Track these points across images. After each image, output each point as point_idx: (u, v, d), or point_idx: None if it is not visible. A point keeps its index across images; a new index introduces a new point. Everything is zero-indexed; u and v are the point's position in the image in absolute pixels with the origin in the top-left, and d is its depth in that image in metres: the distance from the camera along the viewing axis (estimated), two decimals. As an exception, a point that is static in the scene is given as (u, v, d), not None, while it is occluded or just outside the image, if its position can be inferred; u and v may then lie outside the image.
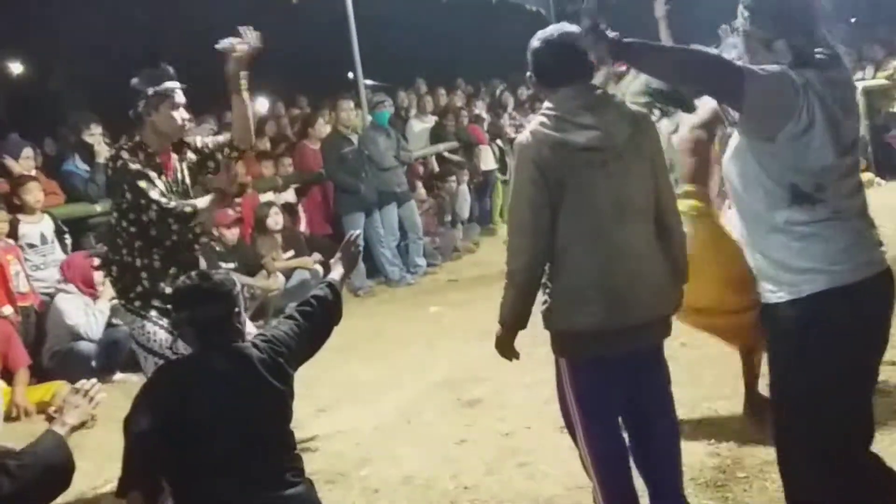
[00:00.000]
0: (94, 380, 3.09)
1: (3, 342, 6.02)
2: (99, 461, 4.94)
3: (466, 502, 3.97)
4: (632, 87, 4.65)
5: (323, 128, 9.74)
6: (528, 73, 3.20)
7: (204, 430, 2.93)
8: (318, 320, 3.40)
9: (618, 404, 3.27)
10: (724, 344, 4.44)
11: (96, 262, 4.54)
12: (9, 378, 6.06)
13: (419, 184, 10.44)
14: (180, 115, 4.09)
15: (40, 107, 15.53)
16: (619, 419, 3.32)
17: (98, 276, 6.62)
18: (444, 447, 4.61)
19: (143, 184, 3.96)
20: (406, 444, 4.73)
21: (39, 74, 18.19)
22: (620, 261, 3.07)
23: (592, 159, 3.03)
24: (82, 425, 3.03)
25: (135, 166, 3.98)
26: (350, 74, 11.33)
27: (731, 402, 4.58)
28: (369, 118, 9.58)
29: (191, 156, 4.28)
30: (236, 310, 3.13)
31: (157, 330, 4.00)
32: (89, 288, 6.62)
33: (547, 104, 3.13)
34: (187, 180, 4.25)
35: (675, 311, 3.27)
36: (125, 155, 4.01)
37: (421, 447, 4.65)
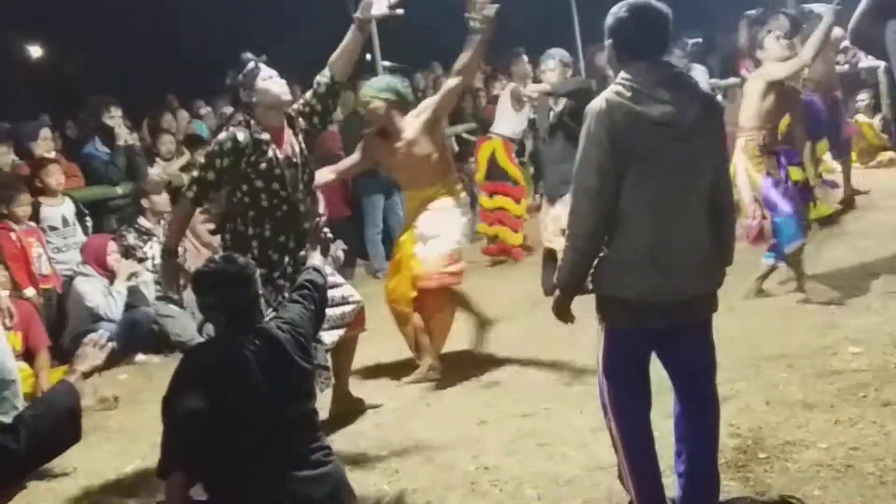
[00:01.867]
0: (102, 331, 3.15)
1: (24, 322, 6.06)
2: (122, 442, 5.00)
3: (486, 482, 3.98)
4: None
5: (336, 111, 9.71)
6: (608, 41, 3.22)
7: (240, 410, 2.97)
8: (318, 305, 3.52)
9: (647, 376, 3.30)
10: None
11: (210, 226, 4.80)
12: (30, 359, 6.11)
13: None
14: (275, 82, 4.23)
15: (60, 90, 15.61)
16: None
17: (111, 258, 6.66)
18: (464, 428, 4.61)
19: (196, 171, 4.22)
20: (426, 425, 4.74)
21: (59, 58, 18.27)
22: (675, 236, 3.14)
23: (663, 134, 3.09)
24: (92, 372, 3.15)
25: (215, 147, 4.19)
26: (367, 56, 11.31)
27: (752, 384, 4.56)
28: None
29: (301, 123, 4.42)
30: (260, 292, 3.21)
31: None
32: (104, 270, 6.66)
33: (623, 75, 3.16)
34: (305, 151, 4.39)
35: (718, 288, 3.34)
36: (221, 136, 4.20)
37: (441, 428, 4.66)
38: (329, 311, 4.48)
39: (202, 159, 4.28)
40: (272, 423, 3.02)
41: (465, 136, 11.43)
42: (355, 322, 4.84)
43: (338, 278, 4.86)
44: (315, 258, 3.78)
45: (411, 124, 5.39)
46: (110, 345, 3.19)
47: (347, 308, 4.76)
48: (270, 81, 4.22)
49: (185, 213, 4.39)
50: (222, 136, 4.20)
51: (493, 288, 7.28)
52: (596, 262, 3.21)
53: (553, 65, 6.70)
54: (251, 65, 4.21)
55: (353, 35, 4.43)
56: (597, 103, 3.14)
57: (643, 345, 3.28)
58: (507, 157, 8.82)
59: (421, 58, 13.11)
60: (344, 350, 4.84)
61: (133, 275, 6.80)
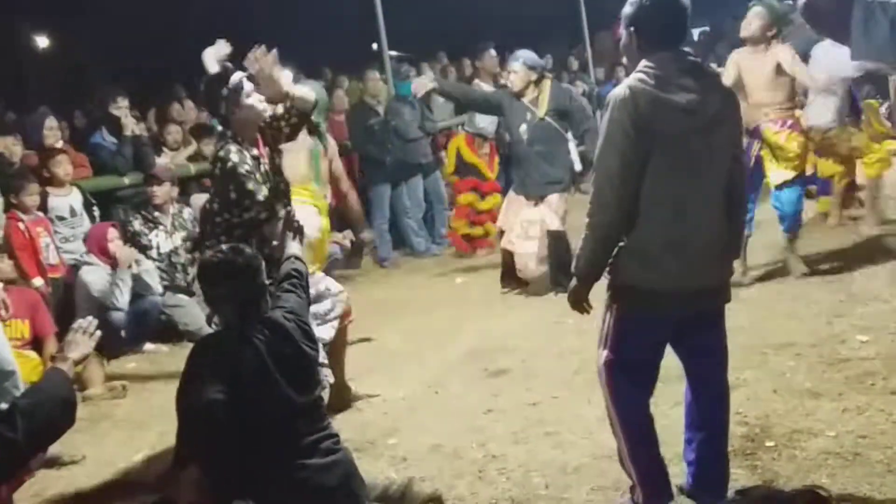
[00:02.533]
0: (90, 317, 3.17)
1: (31, 310, 6.08)
2: (130, 431, 5.02)
3: (494, 471, 3.99)
4: None
5: (341, 99, 9.72)
6: (630, 28, 3.20)
7: (253, 400, 2.98)
8: (307, 293, 3.54)
9: (658, 366, 3.32)
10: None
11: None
12: (38, 348, 6.14)
13: (444, 154, 10.40)
14: (256, 98, 4.17)
15: (68, 80, 15.62)
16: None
17: (112, 244, 6.66)
18: (472, 417, 4.62)
19: (250, 186, 4.04)
20: (433, 414, 4.75)
21: (66, 48, 18.27)
22: (696, 225, 3.14)
23: (688, 121, 3.09)
24: (84, 359, 3.14)
25: (242, 169, 4.05)
26: (374, 45, 11.30)
27: (759, 372, 4.56)
28: (393, 90, 9.57)
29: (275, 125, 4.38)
30: (266, 282, 3.23)
31: None
32: (106, 257, 6.67)
33: (645, 63, 3.14)
34: (276, 159, 4.35)
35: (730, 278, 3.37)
36: (234, 157, 4.05)
37: (448, 416, 4.67)
38: (318, 307, 4.50)
39: (248, 183, 4.05)
40: (283, 411, 3.03)
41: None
42: (344, 313, 4.84)
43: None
44: (293, 247, 3.77)
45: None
46: (98, 332, 3.18)
47: (336, 299, 4.75)
48: (254, 98, 4.16)
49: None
50: (235, 157, 4.06)
51: (498, 276, 7.27)
52: (616, 251, 3.19)
53: (517, 66, 6.77)
54: (236, 79, 4.13)
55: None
56: (620, 90, 3.12)
57: (660, 334, 3.27)
58: (472, 150, 8.96)
59: (427, 47, 13.10)
60: (338, 343, 4.83)
61: (135, 262, 6.81)
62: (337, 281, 5.07)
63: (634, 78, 3.13)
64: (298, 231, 3.86)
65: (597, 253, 3.19)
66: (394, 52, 11.17)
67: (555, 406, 4.60)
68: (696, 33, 13.49)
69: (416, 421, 4.67)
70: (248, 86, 4.15)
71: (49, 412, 2.88)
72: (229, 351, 3.05)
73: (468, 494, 3.80)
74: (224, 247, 3.34)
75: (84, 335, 3.12)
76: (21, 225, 6.48)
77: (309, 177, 5.40)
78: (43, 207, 6.76)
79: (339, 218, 8.66)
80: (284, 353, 3.09)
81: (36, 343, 6.12)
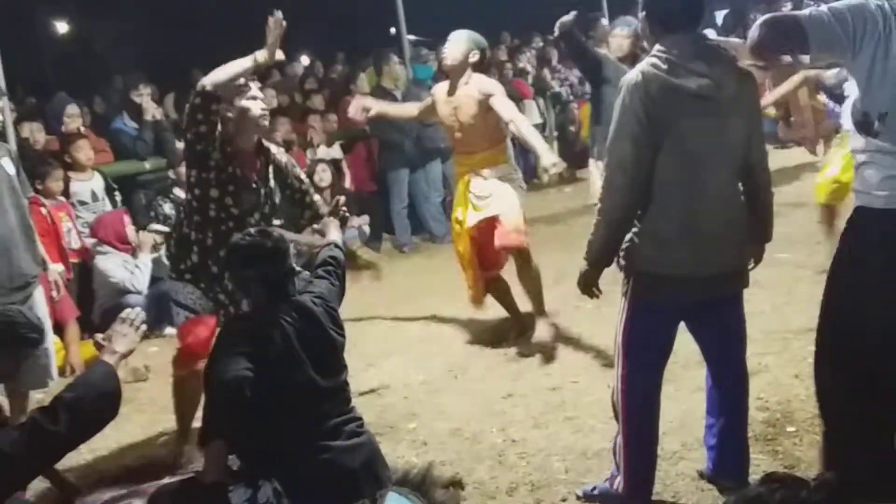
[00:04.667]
0: (138, 308, 3.15)
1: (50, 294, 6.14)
2: (153, 414, 5.05)
3: (513, 455, 4.00)
4: None
5: (363, 83, 9.71)
6: (642, 13, 3.20)
7: (280, 380, 3.01)
8: (342, 280, 3.55)
9: (668, 354, 3.31)
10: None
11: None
12: (60, 331, 6.19)
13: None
14: (258, 105, 4.03)
15: (88, 66, 15.66)
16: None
17: (131, 230, 6.69)
18: (492, 401, 4.63)
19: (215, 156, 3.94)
20: (453, 398, 4.76)
21: (86, 33, 18.32)
22: (710, 211, 3.13)
23: (700, 107, 3.06)
24: (130, 353, 3.11)
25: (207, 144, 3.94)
26: (392, 30, 11.28)
27: (780, 358, 4.55)
28: (412, 74, 9.55)
29: (279, 159, 4.25)
30: (294, 265, 3.27)
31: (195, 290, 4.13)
32: (124, 244, 6.70)
33: (659, 47, 3.13)
34: (272, 183, 4.21)
35: (752, 265, 3.36)
36: (202, 129, 3.91)
37: (468, 401, 4.68)
38: None
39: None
40: (310, 393, 3.07)
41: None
42: None
43: None
44: (333, 233, 3.80)
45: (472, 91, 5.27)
46: (144, 326, 3.17)
47: None
48: (255, 102, 4.02)
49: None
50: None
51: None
52: (629, 237, 3.19)
53: (629, 32, 6.52)
54: (241, 79, 3.98)
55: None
56: (632, 75, 3.12)
57: (672, 321, 3.27)
58: None
59: (445, 31, 13.05)
60: None
61: (155, 246, 6.84)
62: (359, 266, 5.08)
63: (647, 63, 3.12)
64: (344, 219, 3.88)
65: (608, 238, 3.19)
66: (412, 37, 11.15)
67: (575, 391, 4.61)
68: (719, 16, 13.36)
69: (436, 405, 4.69)
70: (254, 90, 4.03)
71: (92, 405, 2.87)
72: (258, 331, 3.07)
73: (488, 479, 3.82)
74: (252, 230, 3.37)
75: (131, 327, 3.09)
76: (43, 210, 6.50)
77: None
78: (65, 192, 6.80)
79: (356, 202, 8.70)
80: (311, 337, 3.12)
81: (57, 327, 6.18)
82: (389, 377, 5.15)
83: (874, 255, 2.77)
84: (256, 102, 4.04)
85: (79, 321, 6.32)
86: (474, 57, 5.39)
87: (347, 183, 9.20)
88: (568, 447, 3.99)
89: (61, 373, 5.91)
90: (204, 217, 4.06)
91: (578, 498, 3.53)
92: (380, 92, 9.17)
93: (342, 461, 3.06)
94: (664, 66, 3.07)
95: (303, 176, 4.37)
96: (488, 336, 5.73)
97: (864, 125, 2.75)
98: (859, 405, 2.85)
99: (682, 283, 3.16)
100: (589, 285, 3.32)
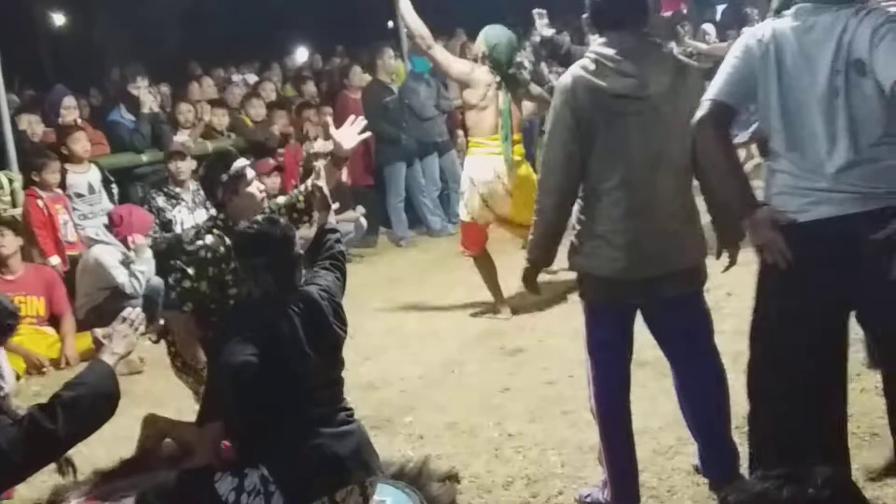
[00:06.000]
0: (138, 309, 3.15)
1: (48, 288, 6.14)
2: (148, 407, 5.02)
3: (510, 449, 4.01)
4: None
5: (358, 77, 9.70)
6: (585, 14, 3.22)
7: (283, 369, 3.01)
8: (344, 272, 3.54)
9: (628, 358, 3.29)
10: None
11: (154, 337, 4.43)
12: (56, 324, 6.18)
13: (460, 133, 10.38)
14: (257, 188, 3.99)
15: (85, 58, 15.62)
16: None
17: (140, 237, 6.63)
18: (488, 395, 4.64)
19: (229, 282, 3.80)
20: (450, 392, 4.77)
21: (83, 25, 18.27)
22: (647, 211, 3.08)
23: (626, 107, 3.04)
24: (129, 353, 3.12)
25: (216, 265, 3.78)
26: (390, 23, 11.25)
27: (776, 352, 4.55)
28: (410, 67, 9.53)
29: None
30: (301, 253, 3.25)
31: None
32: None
33: (592, 47, 3.14)
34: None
35: (700, 262, 3.28)
36: (210, 241, 3.77)
37: (465, 395, 4.69)
38: None
39: (190, 269, 3.75)
40: (307, 383, 3.07)
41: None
42: None
43: None
44: (328, 217, 3.75)
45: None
46: (143, 327, 3.17)
47: None
48: (253, 186, 3.96)
49: (187, 328, 3.84)
50: (210, 241, 3.76)
51: (514, 255, 7.27)
52: (572, 238, 3.21)
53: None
54: (239, 166, 3.93)
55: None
56: (564, 78, 3.13)
57: (624, 321, 3.24)
58: None
59: (445, 25, 13.04)
60: None
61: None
62: (353, 260, 5.09)
63: (579, 64, 3.12)
64: (325, 200, 3.80)
65: (544, 237, 3.22)
66: (411, 30, 11.11)
67: (571, 385, 4.61)
68: (719, 11, 13.37)
69: (432, 399, 4.69)
70: (250, 173, 3.97)
71: (90, 405, 2.87)
72: (266, 319, 3.07)
73: (484, 473, 3.82)
74: (259, 217, 3.37)
75: (131, 328, 3.08)
76: (40, 202, 6.51)
77: (493, 130, 5.86)
78: (62, 185, 6.79)
79: (354, 196, 8.69)
80: (315, 329, 3.12)
81: (53, 320, 6.18)
82: (386, 371, 5.16)
83: (795, 266, 2.80)
84: (255, 185, 3.95)
85: (74, 314, 6.32)
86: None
87: (344, 177, 9.18)
88: (564, 441, 3.99)
89: (56, 365, 5.92)
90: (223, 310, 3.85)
91: (577, 500, 3.53)
92: (376, 86, 9.16)
93: (331, 447, 3.06)
94: (592, 68, 3.07)
95: (281, 199, 4.23)
96: (485, 330, 5.73)
97: (765, 147, 2.89)
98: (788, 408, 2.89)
99: (623, 285, 3.13)
100: (529, 282, 3.36)
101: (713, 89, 2.88)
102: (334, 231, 3.66)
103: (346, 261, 3.69)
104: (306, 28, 15.32)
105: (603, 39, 3.12)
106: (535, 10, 6.19)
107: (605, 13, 3.13)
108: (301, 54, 13.82)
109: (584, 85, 3.06)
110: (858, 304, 2.88)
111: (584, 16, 3.22)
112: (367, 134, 4.26)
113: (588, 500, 3.47)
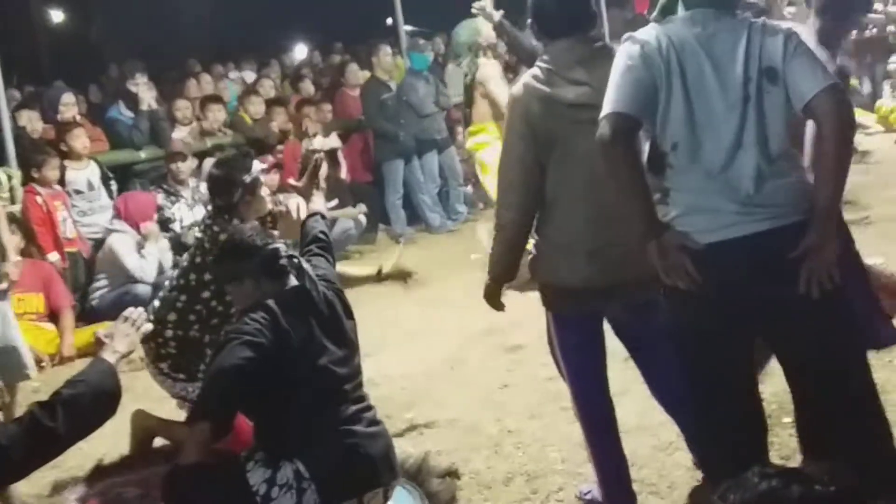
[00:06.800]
0: (140, 308, 3.14)
1: (46, 284, 6.14)
2: (149, 403, 5.03)
3: (510, 445, 4.01)
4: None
5: (356, 74, 9.70)
6: (529, 21, 3.13)
7: (304, 365, 2.99)
8: (332, 251, 3.54)
9: (602, 360, 3.25)
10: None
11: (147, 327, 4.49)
12: (55, 319, 6.18)
13: (459, 130, 10.38)
14: (266, 192, 4.21)
15: (84, 55, 15.61)
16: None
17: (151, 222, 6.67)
18: (488, 392, 4.64)
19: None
20: (450, 389, 4.77)
21: (81, 23, 18.26)
22: (606, 219, 2.99)
23: (580, 116, 2.94)
24: (130, 353, 3.09)
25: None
26: (389, 20, 11.25)
27: (776, 349, 4.55)
28: (409, 64, 9.54)
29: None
30: (286, 244, 3.26)
31: None
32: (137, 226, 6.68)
33: (543, 56, 3.07)
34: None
35: None
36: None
37: (465, 392, 4.69)
38: None
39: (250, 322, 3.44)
40: (331, 376, 3.03)
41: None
42: None
43: None
44: (318, 203, 3.73)
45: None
46: (147, 326, 3.14)
47: None
48: (264, 188, 4.20)
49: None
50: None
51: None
52: (531, 248, 3.17)
53: None
54: (258, 168, 4.16)
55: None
56: (515, 89, 3.07)
57: (590, 325, 3.19)
58: None
59: (442, 23, 13.04)
60: None
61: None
62: (352, 256, 5.09)
63: (529, 74, 3.06)
64: (317, 181, 3.79)
65: (505, 252, 3.16)
66: (409, 27, 11.13)
67: (571, 381, 4.61)
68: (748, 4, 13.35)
69: (432, 395, 4.70)
70: (262, 175, 4.21)
71: (91, 403, 2.85)
72: (275, 319, 3.02)
73: (484, 468, 3.83)
74: (236, 225, 3.38)
75: (132, 326, 3.07)
76: (39, 199, 6.51)
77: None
78: (60, 181, 6.79)
79: (353, 192, 8.69)
80: (326, 320, 3.10)
81: (52, 315, 6.18)
82: (386, 367, 5.15)
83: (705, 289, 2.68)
84: (265, 190, 4.20)
85: (73, 310, 6.32)
86: None
87: (343, 173, 9.19)
88: (564, 437, 3.99)
89: (53, 361, 5.93)
90: (222, 319, 3.95)
91: (577, 497, 3.53)
92: (374, 83, 9.17)
93: (365, 447, 3.02)
94: (543, 77, 3.01)
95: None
96: (485, 327, 5.72)
97: (658, 162, 2.73)
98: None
99: (584, 293, 3.06)
100: (492, 298, 3.30)
101: (611, 102, 2.66)
102: (322, 216, 3.66)
103: (346, 257, 3.69)
104: (305, 25, 15.36)
105: (553, 47, 3.05)
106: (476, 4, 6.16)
107: (555, 18, 3.05)
108: (300, 51, 13.83)
109: (536, 95, 3.00)
110: (769, 324, 2.76)
111: (529, 22, 3.13)
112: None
113: (588, 496, 3.47)
